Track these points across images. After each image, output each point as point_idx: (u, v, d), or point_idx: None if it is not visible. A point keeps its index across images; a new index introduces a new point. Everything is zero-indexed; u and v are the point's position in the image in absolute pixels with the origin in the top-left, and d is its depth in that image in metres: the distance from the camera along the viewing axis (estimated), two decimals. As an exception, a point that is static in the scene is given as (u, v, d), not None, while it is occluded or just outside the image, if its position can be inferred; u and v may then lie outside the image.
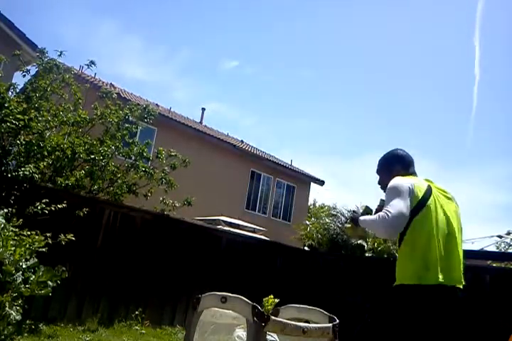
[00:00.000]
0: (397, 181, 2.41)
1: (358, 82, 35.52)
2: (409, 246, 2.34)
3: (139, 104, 8.97)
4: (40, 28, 28.03)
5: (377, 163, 2.74)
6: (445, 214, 2.41)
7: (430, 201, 2.37)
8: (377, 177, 2.73)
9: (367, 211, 2.58)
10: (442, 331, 2.31)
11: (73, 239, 5.10)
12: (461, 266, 2.45)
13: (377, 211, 2.52)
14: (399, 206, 2.24)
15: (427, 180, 2.57)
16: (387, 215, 2.20)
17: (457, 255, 2.41)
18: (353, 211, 2.64)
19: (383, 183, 2.62)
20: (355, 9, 31.06)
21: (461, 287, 2.44)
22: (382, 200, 2.55)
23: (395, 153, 2.68)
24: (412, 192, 2.33)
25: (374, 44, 32.52)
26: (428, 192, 2.40)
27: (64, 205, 5.37)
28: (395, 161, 2.64)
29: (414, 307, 2.25)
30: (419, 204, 2.33)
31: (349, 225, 2.68)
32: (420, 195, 2.36)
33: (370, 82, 35.23)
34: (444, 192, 2.54)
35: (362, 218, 2.48)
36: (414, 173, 2.63)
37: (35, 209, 5.17)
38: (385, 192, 2.47)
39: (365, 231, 2.69)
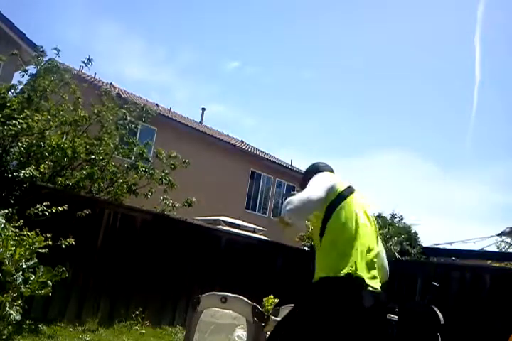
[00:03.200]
0: (318, 175, 2.45)
1: (358, 82, 35.52)
2: (330, 245, 2.24)
3: (136, 103, 8.95)
4: (42, 29, 28.04)
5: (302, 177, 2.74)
6: (364, 213, 2.36)
7: (349, 198, 2.32)
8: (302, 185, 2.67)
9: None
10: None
11: (73, 243, 5.11)
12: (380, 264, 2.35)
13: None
14: (308, 193, 2.22)
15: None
16: (293, 199, 2.16)
17: (376, 253, 2.31)
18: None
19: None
20: (356, 10, 31.09)
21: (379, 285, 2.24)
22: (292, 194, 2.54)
23: (316, 165, 2.71)
24: (332, 186, 2.30)
25: (374, 44, 32.52)
26: (348, 190, 2.36)
27: (65, 207, 5.38)
28: (308, 174, 2.63)
29: (333, 299, 2.12)
30: (336, 203, 2.27)
31: (281, 223, 2.54)
32: (341, 189, 2.32)
33: (370, 82, 35.23)
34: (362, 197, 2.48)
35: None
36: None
37: (35, 211, 5.17)
38: None
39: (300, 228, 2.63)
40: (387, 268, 2.40)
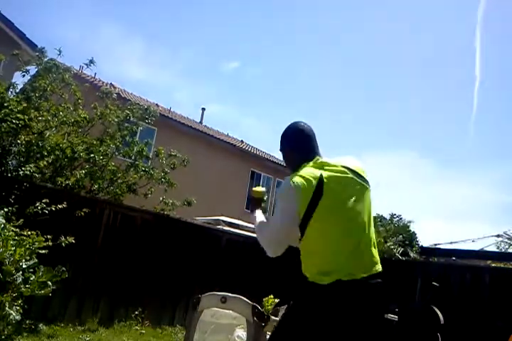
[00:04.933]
0: (280, 189, 2.16)
1: (358, 83, 35.53)
2: (313, 245, 2.17)
3: (139, 104, 8.95)
4: (42, 30, 28.04)
5: (280, 140, 2.37)
6: (346, 205, 2.07)
7: (322, 199, 2.00)
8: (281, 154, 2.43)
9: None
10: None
11: (73, 241, 5.11)
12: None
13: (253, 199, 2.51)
14: (275, 222, 2.16)
15: (322, 163, 2.14)
16: (262, 236, 2.21)
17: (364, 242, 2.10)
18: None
19: (286, 163, 2.40)
20: (357, 10, 31.10)
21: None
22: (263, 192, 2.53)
23: (297, 129, 2.30)
24: (298, 198, 2.01)
25: (375, 45, 32.53)
26: (319, 188, 2.01)
27: (64, 205, 5.37)
28: (286, 139, 2.32)
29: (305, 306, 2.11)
30: (312, 203, 2.00)
31: (260, 189, 2.51)
32: (309, 195, 2.00)
33: (370, 83, 35.25)
34: (345, 172, 2.11)
35: (258, 217, 2.38)
36: (313, 157, 2.20)
37: (35, 210, 5.16)
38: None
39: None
40: (376, 254, 2.12)
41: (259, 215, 2.39)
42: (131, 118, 8.21)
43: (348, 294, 1.96)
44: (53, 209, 5.27)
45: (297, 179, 2.03)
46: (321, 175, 2.03)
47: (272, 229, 2.17)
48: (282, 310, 3.38)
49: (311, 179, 2.01)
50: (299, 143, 2.26)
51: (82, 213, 5.87)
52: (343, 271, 1.99)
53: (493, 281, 7.09)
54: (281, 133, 2.34)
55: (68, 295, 5.94)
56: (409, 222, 13.53)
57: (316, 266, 2.11)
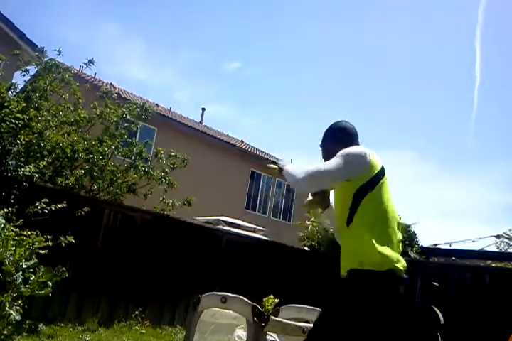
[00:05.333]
0: (352, 148, 2.19)
1: (358, 83, 35.53)
2: (368, 224, 2.11)
3: (136, 103, 8.94)
4: (43, 30, 28.03)
5: (323, 136, 2.45)
6: (390, 196, 2.24)
7: (384, 178, 2.17)
8: (321, 151, 2.45)
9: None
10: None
11: (73, 241, 5.11)
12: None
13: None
14: (330, 166, 2.07)
15: None
16: (310, 169, 2.04)
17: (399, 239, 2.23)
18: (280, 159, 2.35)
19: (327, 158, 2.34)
20: (357, 10, 31.09)
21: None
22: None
23: (342, 125, 2.41)
24: (367, 163, 2.11)
25: (375, 45, 32.52)
26: (383, 169, 2.19)
27: (64, 205, 5.37)
28: (344, 134, 2.38)
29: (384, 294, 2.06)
30: (376, 178, 2.12)
31: (274, 166, 2.33)
32: (377, 168, 2.15)
33: (370, 83, 35.24)
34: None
35: (290, 167, 2.22)
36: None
37: (35, 209, 5.16)
38: None
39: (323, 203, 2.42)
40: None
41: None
42: (128, 117, 8.19)
43: (398, 282, 2.08)
44: (53, 208, 5.27)
45: (370, 153, 2.15)
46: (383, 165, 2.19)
47: (323, 169, 2.07)
48: (282, 310, 3.38)
49: (379, 161, 2.17)
50: (347, 137, 2.34)
51: (83, 212, 5.87)
52: (394, 259, 2.07)
53: (493, 281, 7.09)
54: (327, 129, 2.42)
55: (68, 295, 5.94)
56: (413, 223, 13.52)
57: (375, 248, 2.04)
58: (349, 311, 2.02)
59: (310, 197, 2.43)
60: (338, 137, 2.35)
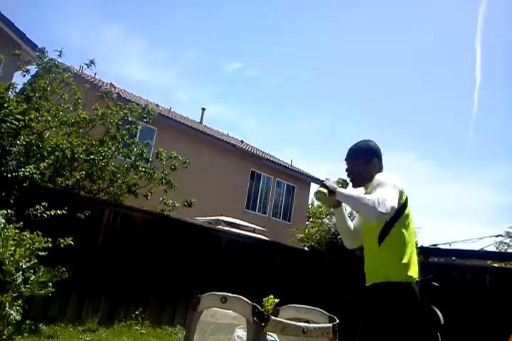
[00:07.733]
0: (393, 177, 2.48)
1: (358, 83, 35.56)
2: (399, 244, 2.43)
3: (138, 104, 8.93)
4: (43, 30, 28.05)
5: (351, 151, 2.71)
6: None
7: (409, 203, 2.52)
8: (347, 165, 2.70)
9: (341, 183, 2.37)
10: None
11: (72, 243, 5.11)
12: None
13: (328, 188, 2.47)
14: (394, 198, 2.28)
15: None
16: (385, 202, 2.20)
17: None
18: (326, 178, 2.45)
19: (355, 172, 2.64)
20: (357, 11, 31.09)
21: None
22: (342, 179, 2.57)
23: (371, 145, 2.69)
24: (401, 192, 2.43)
25: (375, 46, 32.53)
26: (406, 199, 2.52)
27: (64, 211, 5.38)
28: (373, 153, 2.66)
29: (409, 304, 2.35)
30: (405, 205, 2.46)
31: (324, 190, 2.46)
32: (405, 195, 2.48)
33: (370, 83, 35.26)
34: None
35: (346, 192, 2.45)
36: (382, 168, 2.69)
37: (34, 213, 5.17)
38: (354, 181, 2.60)
39: (336, 204, 2.59)
40: None
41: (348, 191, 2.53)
42: (130, 118, 8.18)
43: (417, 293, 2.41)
44: (52, 213, 5.28)
45: (399, 181, 2.46)
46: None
47: (393, 201, 2.27)
48: (282, 310, 3.38)
49: (405, 186, 2.48)
50: (379, 151, 2.68)
51: (83, 216, 5.86)
52: (416, 273, 2.43)
53: (493, 281, 7.09)
54: (364, 146, 2.68)
55: (68, 295, 5.94)
56: (418, 228, 13.56)
57: (405, 266, 2.39)
58: (398, 319, 2.33)
59: (323, 189, 2.49)
60: (367, 157, 2.62)
